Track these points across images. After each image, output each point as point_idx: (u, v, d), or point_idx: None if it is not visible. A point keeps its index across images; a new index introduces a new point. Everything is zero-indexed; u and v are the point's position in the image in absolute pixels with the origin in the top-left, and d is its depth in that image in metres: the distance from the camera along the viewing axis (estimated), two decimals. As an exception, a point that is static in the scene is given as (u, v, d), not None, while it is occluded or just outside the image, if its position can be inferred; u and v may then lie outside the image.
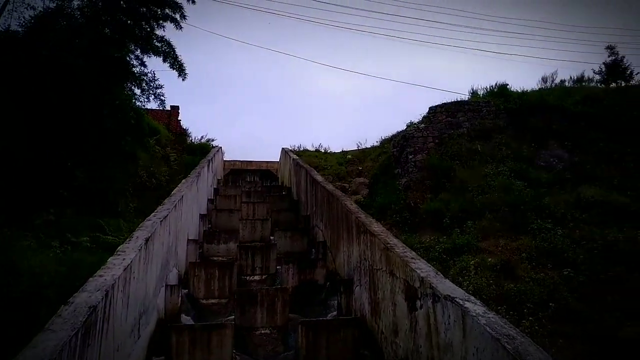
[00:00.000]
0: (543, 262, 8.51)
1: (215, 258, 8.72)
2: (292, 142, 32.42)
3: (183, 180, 9.53)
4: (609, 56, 14.57)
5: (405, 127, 16.01)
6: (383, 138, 19.30)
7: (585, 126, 13.51)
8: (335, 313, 6.70)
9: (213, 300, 7.06)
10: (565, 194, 10.80)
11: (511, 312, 6.84)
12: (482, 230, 9.90)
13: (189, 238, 8.18)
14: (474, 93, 16.73)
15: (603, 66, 14.63)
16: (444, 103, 14.84)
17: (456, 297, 3.41)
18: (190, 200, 8.73)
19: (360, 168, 17.55)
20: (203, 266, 7.22)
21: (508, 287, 7.59)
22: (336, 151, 20.53)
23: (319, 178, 10.55)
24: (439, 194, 11.98)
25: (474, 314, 3.13)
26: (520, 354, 2.49)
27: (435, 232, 10.75)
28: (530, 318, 6.67)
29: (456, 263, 8.88)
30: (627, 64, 14.43)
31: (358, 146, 20.51)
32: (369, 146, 20.02)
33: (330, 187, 9.27)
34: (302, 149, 20.84)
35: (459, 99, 15.36)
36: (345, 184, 15.80)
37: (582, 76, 17.26)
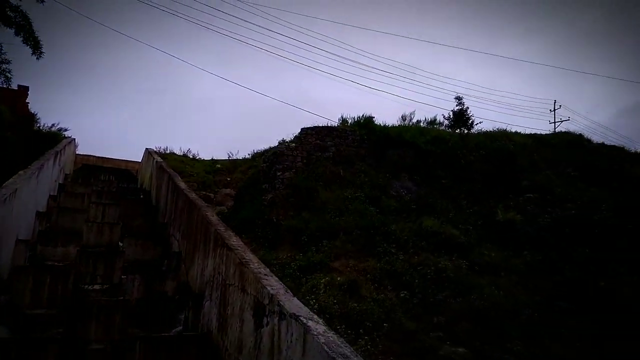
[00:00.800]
0: (385, 284, 9.27)
1: (50, 262, 7.71)
2: (159, 144, 30.63)
3: (21, 172, 8.32)
4: (456, 105, 16.79)
5: (277, 144, 16.31)
6: (255, 151, 19.34)
7: (433, 163, 15.29)
8: (180, 328, 6.40)
9: (40, 311, 6.20)
10: (410, 222, 11.98)
11: (349, 331, 7.28)
12: (336, 250, 10.44)
13: (19, 238, 7.13)
14: (343, 120, 17.80)
15: (451, 113, 16.80)
16: (315, 126, 15.49)
17: (301, 316, 3.50)
18: (26, 195, 7.65)
19: (228, 179, 17.28)
20: (32, 271, 6.32)
21: (351, 306, 8.09)
22: (206, 159, 19.91)
23: (182, 185, 10.09)
24: (301, 213, 12.35)
25: (315, 333, 3.23)
26: (352, 373, 2.65)
27: (294, 249, 11.02)
28: (365, 337, 7.16)
29: (308, 281, 9.20)
30: (470, 114, 16.77)
31: (229, 156, 20.19)
32: (241, 158, 19.85)
33: (192, 195, 8.91)
34: (168, 151, 19.76)
35: (329, 124, 16.21)
36: (210, 194, 15.38)
37: (435, 119, 19.59)
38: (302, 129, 15.47)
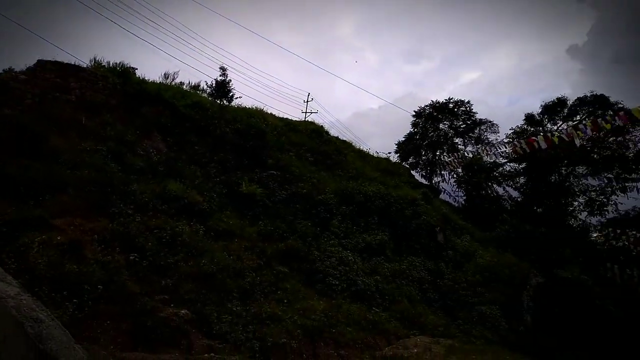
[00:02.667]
0: (114, 246, 8.75)
1: None
2: None
3: None
4: (220, 75, 16.98)
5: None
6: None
7: (189, 128, 15.13)
8: None
9: None
10: (154, 184, 11.58)
11: (59, 295, 6.62)
12: (61, 206, 9.24)
13: None
14: (96, 63, 15.73)
15: (214, 82, 16.89)
16: (58, 62, 13.25)
17: (-11, 277, 2.99)
18: None
19: None
20: None
21: (70, 269, 7.35)
22: None
23: None
24: (22, 159, 10.42)
25: (4, 296, 2.82)
26: (42, 338, 2.41)
27: (5, 202, 9.24)
28: (75, 300, 6.64)
29: (19, 239, 7.90)
30: (232, 87, 17.20)
31: None
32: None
33: None
34: None
35: (77, 64, 14.08)
36: None
37: (199, 85, 19.36)
38: (38, 61, 13.01)
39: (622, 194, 28.44)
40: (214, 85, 16.99)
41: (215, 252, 10.04)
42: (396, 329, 11.24)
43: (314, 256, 12.47)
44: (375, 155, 28.53)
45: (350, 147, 25.37)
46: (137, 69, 16.48)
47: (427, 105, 36.30)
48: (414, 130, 36.90)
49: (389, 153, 32.37)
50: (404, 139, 36.90)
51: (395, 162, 30.30)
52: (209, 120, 16.05)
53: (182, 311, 8.01)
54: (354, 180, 17.96)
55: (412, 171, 33.48)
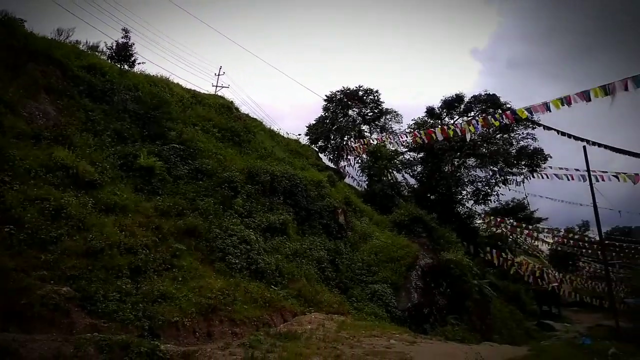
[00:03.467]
0: (-15, 217, 7.83)
1: None
2: None
3: None
4: (122, 37, 15.65)
5: None
6: None
7: (83, 92, 13.85)
8: None
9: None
10: (38, 150, 10.49)
11: None
12: None
13: None
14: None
15: (115, 44, 15.54)
16: None
17: None
18: None
19: None
20: None
21: None
22: None
23: None
24: None
25: None
26: None
27: None
28: None
29: None
30: (134, 51, 15.95)
31: None
32: None
33: None
34: None
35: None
36: None
37: (98, 46, 17.74)
38: None
39: (504, 186, 31.74)
40: (114, 47, 15.63)
41: (104, 226, 9.41)
42: (293, 306, 11.57)
43: (214, 234, 12.26)
44: (285, 136, 28.64)
45: (260, 126, 25.13)
46: (25, 20, 14.58)
47: (338, 91, 37.09)
48: (324, 114, 37.56)
49: (299, 135, 32.70)
50: (314, 123, 37.41)
51: (304, 145, 30.69)
52: (106, 85, 14.82)
53: (64, 289, 7.45)
54: (262, 159, 17.86)
55: (320, 154, 34.18)
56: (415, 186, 32.92)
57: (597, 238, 27.40)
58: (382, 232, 19.27)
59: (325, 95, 37.44)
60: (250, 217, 14.11)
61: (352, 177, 35.80)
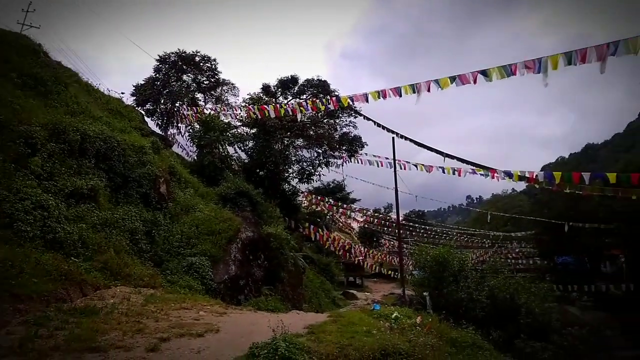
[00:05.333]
0: None
1: None
2: None
3: None
4: None
5: None
6: None
7: None
8: None
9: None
10: None
11: None
12: None
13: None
14: None
15: None
16: None
17: None
18: None
19: None
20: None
21: None
22: None
23: None
24: None
25: None
26: None
27: None
28: None
29: None
30: None
31: None
32: None
33: None
34: None
35: None
36: None
37: None
38: None
39: (326, 168, 34.18)
40: None
41: None
42: (96, 280, 10.63)
43: (1, 196, 10.42)
44: (106, 93, 25.72)
45: (74, 77, 22.07)
46: None
47: (173, 53, 34.71)
48: (155, 75, 34.82)
49: (122, 93, 29.68)
50: (143, 83, 34.40)
51: (128, 105, 28.02)
52: None
53: None
54: (72, 116, 15.71)
55: (147, 118, 31.74)
56: (245, 161, 33.14)
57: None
58: (206, 204, 18.96)
59: (158, 55, 34.72)
60: (51, 180, 12.36)
61: (180, 146, 34.31)
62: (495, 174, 22.43)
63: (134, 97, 33.14)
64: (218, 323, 8.90)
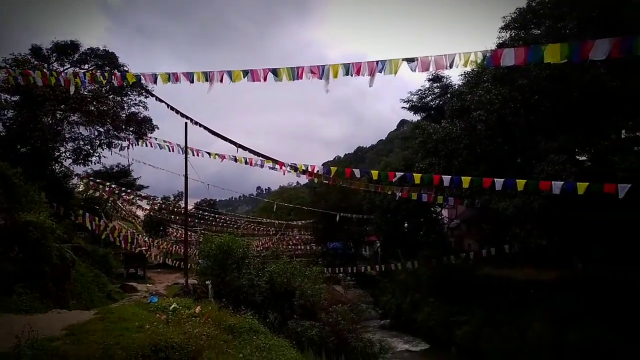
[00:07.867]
0: None
1: None
2: None
3: None
4: None
5: None
6: None
7: None
8: None
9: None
10: None
11: None
12: None
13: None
14: None
15: None
16: None
17: None
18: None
19: None
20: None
21: None
22: None
23: None
24: None
25: None
26: None
27: None
28: None
29: None
30: None
31: None
32: None
33: None
34: None
35: None
36: None
37: None
38: None
39: (108, 149, 30.84)
40: None
41: None
42: None
43: None
44: None
45: None
46: None
47: None
48: None
49: None
50: None
51: None
52: None
53: None
54: None
55: None
56: (2, 134, 27.31)
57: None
58: None
59: None
60: None
61: None
62: (283, 167, 24.00)
63: None
64: None
